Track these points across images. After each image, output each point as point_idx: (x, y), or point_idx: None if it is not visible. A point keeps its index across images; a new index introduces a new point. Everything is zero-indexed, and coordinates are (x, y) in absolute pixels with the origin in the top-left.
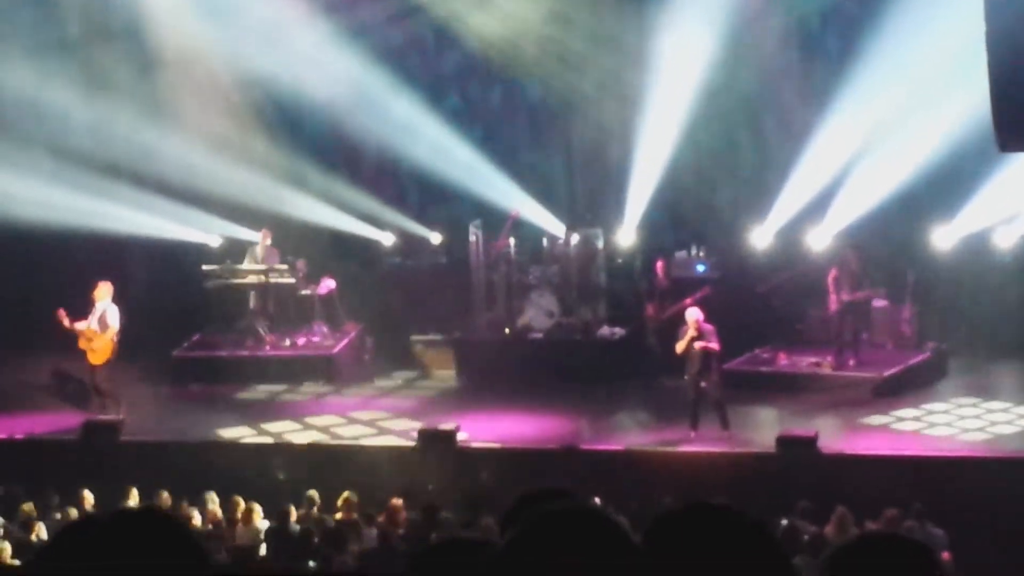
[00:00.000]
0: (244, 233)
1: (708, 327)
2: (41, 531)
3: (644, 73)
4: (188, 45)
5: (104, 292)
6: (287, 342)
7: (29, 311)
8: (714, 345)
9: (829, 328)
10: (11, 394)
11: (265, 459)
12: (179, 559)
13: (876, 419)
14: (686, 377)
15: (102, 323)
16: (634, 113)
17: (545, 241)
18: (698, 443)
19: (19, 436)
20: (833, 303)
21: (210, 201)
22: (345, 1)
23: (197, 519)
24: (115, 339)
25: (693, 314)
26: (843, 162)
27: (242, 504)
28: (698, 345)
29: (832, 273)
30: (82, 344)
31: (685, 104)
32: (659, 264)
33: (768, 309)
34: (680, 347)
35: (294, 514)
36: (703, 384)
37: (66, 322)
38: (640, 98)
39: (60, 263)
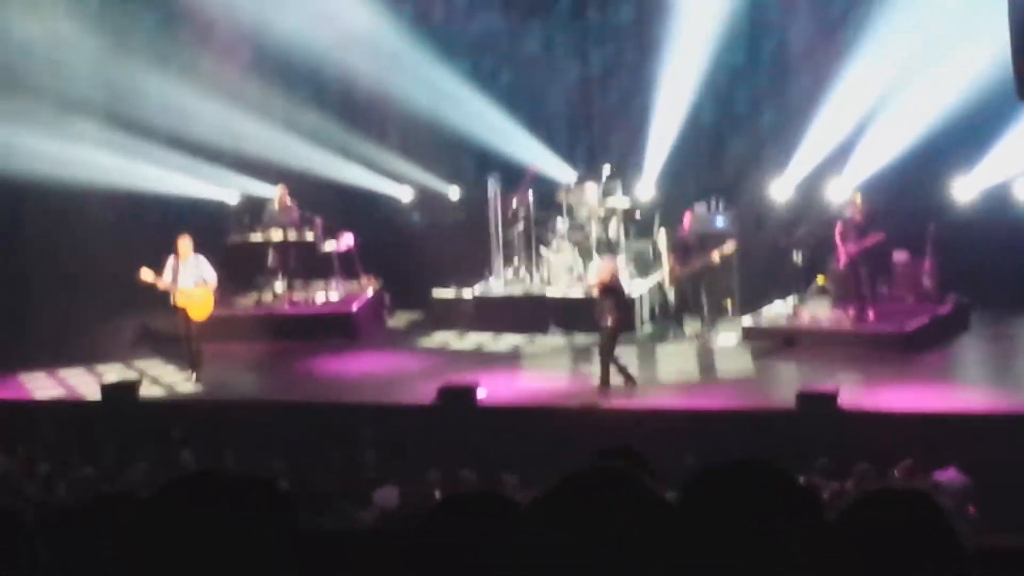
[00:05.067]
0: (262, 189)
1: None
2: (62, 491)
3: (664, 22)
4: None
5: (189, 246)
6: (305, 299)
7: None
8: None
9: (848, 282)
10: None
11: (284, 417)
12: (273, 522)
13: (897, 374)
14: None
15: (199, 277)
16: (654, 62)
17: (563, 195)
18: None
19: (39, 398)
20: (842, 257)
21: (228, 157)
22: None
23: None
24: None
25: (608, 264)
26: (863, 113)
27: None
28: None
29: (838, 227)
30: (180, 302)
31: (705, 55)
32: (687, 216)
33: (788, 263)
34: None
35: (316, 473)
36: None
37: (159, 282)
38: (660, 47)
39: (74, 221)
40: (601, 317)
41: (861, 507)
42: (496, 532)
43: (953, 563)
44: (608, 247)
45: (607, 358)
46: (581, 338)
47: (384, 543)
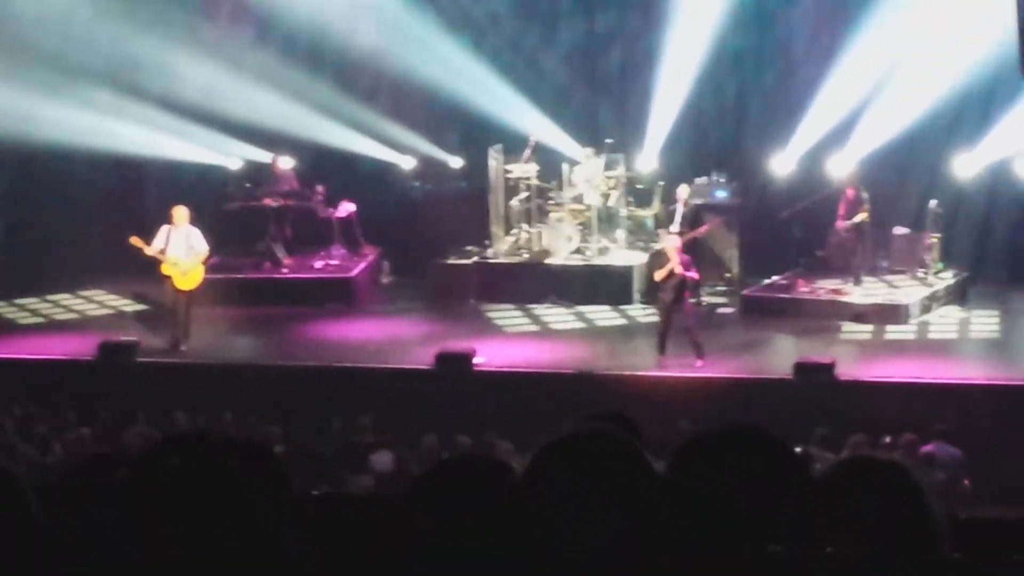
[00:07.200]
0: (264, 156)
1: (685, 257)
2: (58, 451)
3: None
4: None
5: (184, 216)
6: (305, 265)
7: (59, 234)
8: (693, 274)
9: (848, 255)
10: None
11: (281, 381)
12: (266, 484)
13: (894, 345)
14: (658, 306)
15: (191, 248)
16: (658, 36)
17: (565, 166)
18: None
19: (36, 357)
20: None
21: (230, 124)
22: None
23: None
24: (205, 263)
25: (672, 242)
26: (866, 89)
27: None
28: (678, 271)
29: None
30: (167, 270)
31: (709, 28)
32: (679, 190)
33: (789, 236)
34: (660, 275)
35: (312, 438)
36: (673, 315)
37: (147, 249)
38: (664, 21)
39: (76, 186)
40: (665, 294)
41: (839, 473)
42: (489, 495)
43: (923, 535)
44: (607, 218)
45: (665, 330)
46: (577, 308)
47: (378, 507)
